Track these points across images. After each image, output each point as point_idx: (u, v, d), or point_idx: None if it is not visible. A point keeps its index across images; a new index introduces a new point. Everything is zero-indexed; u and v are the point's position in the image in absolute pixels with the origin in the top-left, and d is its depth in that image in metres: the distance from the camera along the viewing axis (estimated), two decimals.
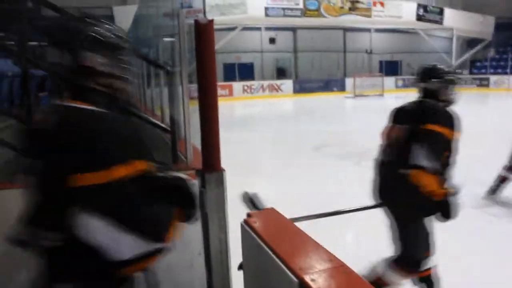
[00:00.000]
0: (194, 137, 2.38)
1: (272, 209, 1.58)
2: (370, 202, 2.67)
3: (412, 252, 2.51)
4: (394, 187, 2.50)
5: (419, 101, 2.64)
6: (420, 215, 2.51)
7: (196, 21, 2.11)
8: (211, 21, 2.14)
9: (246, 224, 1.45)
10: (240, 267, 1.59)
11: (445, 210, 2.39)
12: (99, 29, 1.27)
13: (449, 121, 2.40)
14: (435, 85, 2.57)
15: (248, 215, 1.53)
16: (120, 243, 1.10)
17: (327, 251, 1.20)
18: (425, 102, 2.58)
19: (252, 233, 1.37)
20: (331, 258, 1.15)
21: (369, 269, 2.62)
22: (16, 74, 4.93)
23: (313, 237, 1.29)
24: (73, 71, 1.23)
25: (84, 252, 1.12)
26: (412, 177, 2.29)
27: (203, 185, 2.19)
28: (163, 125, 2.83)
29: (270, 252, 1.22)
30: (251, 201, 3.17)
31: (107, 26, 1.31)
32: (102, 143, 1.13)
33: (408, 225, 2.51)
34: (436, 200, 2.34)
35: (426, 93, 2.61)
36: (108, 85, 1.27)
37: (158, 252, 1.18)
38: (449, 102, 2.59)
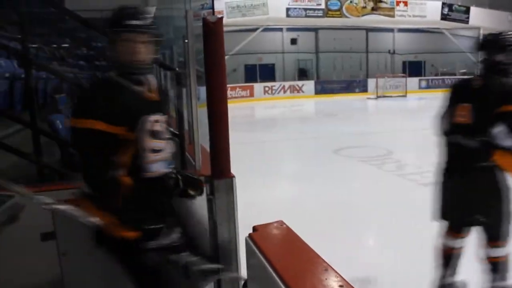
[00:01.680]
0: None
1: (281, 223, 1.44)
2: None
3: None
4: None
5: None
6: None
7: (204, 19, 1.99)
8: (220, 19, 2.02)
9: (251, 240, 1.31)
10: (245, 285, 1.46)
11: None
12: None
13: None
14: None
15: (254, 229, 1.40)
16: None
17: (338, 274, 1.06)
18: None
19: (256, 250, 1.24)
20: (342, 283, 1.01)
21: None
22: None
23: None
24: (490, 65, 2.29)
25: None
26: None
27: (211, 192, 2.07)
28: (171, 129, 2.71)
29: (274, 274, 1.08)
30: None
31: None
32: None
33: None
34: None
35: None
36: (506, 70, 2.29)
37: None
38: None
